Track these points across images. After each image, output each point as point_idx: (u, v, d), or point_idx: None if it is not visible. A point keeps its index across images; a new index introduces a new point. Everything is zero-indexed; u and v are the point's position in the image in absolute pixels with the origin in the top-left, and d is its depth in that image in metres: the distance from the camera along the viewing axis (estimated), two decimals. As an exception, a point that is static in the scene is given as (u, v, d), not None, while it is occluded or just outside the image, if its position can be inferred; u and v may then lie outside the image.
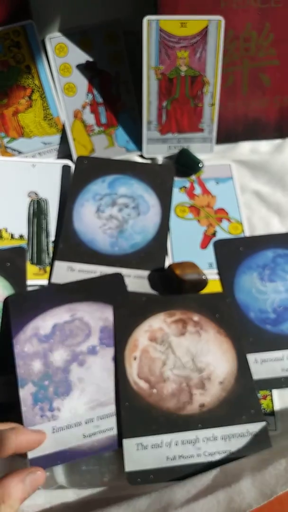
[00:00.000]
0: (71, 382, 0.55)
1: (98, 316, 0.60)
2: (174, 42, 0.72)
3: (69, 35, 0.75)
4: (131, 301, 0.63)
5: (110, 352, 0.57)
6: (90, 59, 0.76)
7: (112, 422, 0.53)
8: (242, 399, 0.54)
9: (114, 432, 0.52)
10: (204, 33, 0.71)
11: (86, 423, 0.53)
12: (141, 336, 0.59)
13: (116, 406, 0.54)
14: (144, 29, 0.70)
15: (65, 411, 0.53)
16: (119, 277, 0.64)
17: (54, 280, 0.66)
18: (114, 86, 0.78)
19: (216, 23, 0.71)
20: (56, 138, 0.79)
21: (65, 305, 0.61)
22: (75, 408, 0.53)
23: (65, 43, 0.75)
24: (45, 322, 0.60)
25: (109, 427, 0.52)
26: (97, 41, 0.75)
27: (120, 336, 0.59)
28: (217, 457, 0.51)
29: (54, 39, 0.74)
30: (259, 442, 0.51)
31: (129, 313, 0.61)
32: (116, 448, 0.52)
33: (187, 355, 0.57)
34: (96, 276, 0.65)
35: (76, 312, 0.60)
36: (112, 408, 0.53)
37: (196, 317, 0.61)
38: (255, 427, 0.52)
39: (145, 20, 0.70)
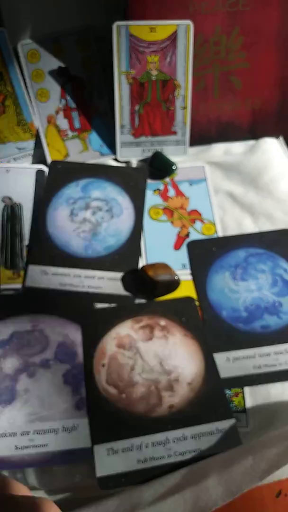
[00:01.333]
0: (17, 391, 0.55)
1: (58, 331, 0.61)
2: (144, 47, 0.73)
3: (41, 42, 0.76)
4: (98, 310, 0.64)
5: (62, 368, 0.57)
6: (63, 65, 0.77)
7: (47, 439, 0.52)
8: (210, 398, 0.55)
9: (48, 449, 0.51)
10: (173, 37, 0.72)
11: (21, 435, 0.52)
12: (109, 343, 0.60)
13: (87, 413, 0.54)
14: (114, 34, 0.71)
15: (3, 419, 0.53)
16: (89, 298, 0.65)
17: (28, 284, 0.66)
18: (87, 91, 0.78)
19: (185, 27, 0.72)
20: (30, 144, 0.79)
21: (29, 315, 0.62)
22: (14, 418, 0.53)
23: (37, 49, 0.75)
24: (5, 328, 0.60)
25: (43, 443, 0.52)
26: (69, 47, 0.76)
27: (88, 345, 0.59)
28: (187, 456, 0.51)
29: (26, 46, 0.75)
30: (228, 439, 0.52)
31: (97, 323, 0.62)
32: (46, 466, 0.51)
33: (155, 359, 0.58)
34: (68, 291, 0.65)
35: (38, 324, 0.61)
36: (51, 425, 0.53)
37: (163, 322, 0.61)
38: (224, 424, 0.53)
39: (115, 25, 0.70)
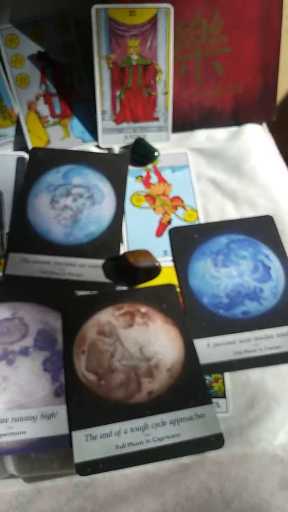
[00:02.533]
0: None
1: (39, 318, 0.60)
2: (124, 31, 0.72)
3: (20, 26, 0.74)
4: (79, 297, 0.63)
5: (42, 355, 0.57)
6: (42, 50, 0.75)
7: (26, 426, 0.52)
8: (189, 384, 0.55)
9: (26, 436, 0.51)
10: (153, 21, 0.71)
11: None
12: (89, 330, 0.59)
13: (66, 400, 0.54)
14: (93, 18, 0.70)
15: None
16: (70, 286, 0.64)
17: (9, 271, 0.65)
18: (67, 76, 0.77)
19: (165, 11, 0.71)
20: (11, 130, 0.78)
21: (9, 302, 0.61)
22: None
23: (16, 34, 0.74)
24: None
25: (21, 430, 0.52)
26: (49, 32, 0.75)
27: (68, 332, 0.59)
28: (166, 441, 0.51)
29: (5, 30, 0.74)
30: (207, 424, 0.52)
31: (77, 310, 0.61)
32: (24, 453, 0.51)
33: (135, 345, 0.58)
34: (49, 278, 0.65)
35: (18, 311, 0.61)
36: (30, 412, 0.53)
37: (143, 309, 0.61)
38: (203, 409, 0.53)
39: (93, 9, 0.69)
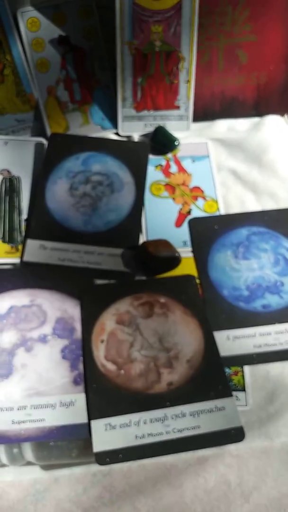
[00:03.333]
0: (14, 366, 0.55)
1: (57, 306, 0.60)
2: (148, 16, 0.70)
3: (42, 9, 0.73)
4: (98, 286, 0.63)
5: (60, 343, 0.57)
6: (63, 34, 0.74)
7: (45, 414, 0.51)
8: (209, 376, 0.54)
9: (45, 423, 0.51)
10: (178, 7, 0.70)
11: (18, 409, 0.52)
12: (108, 319, 0.59)
13: (85, 389, 0.53)
14: (117, 2, 0.69)
15: (0, 394, 0.52)
16: (88, 274, 0.64)
17: (27, 258, 0.65)
18: (88, 62, 0.76)
19: (190, -4, 0.69)
20: (29, 115, 0.77)
21: (27, 289, 0.61)
22: (11, 393, 0.53)
23: (38, 17, 0.73)
24: (3, 302, 0.59)
25: (40, 417, 0.51)
26: (71, 16, 0.74)
27: (87, 321, 0.59)
28: (186, 433, 0.50)
29: (26, 13, 0.73)
30: (227, 417, 0.51)
31: (96, 298, 0.61)
32: (43, 440, 0.50)
33: (155, 336, 0.57)
34: (67, 266, 0.64)
35: (36, 298, 0.60)
36: (49, 400, 0.52)
37: (162, 299, 0.61)
38: (223, 402, 0.52)
39: (118, -7, 0.68)
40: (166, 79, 0.75)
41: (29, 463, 0.52)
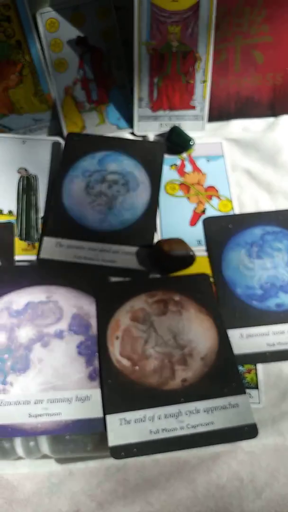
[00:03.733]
0: (31, 360, 0.56)
1: (73, 303, 0.61)
2: (165, 17, 0.71)
3: (61, 10, 0.74)
4: (113, 283, 0.63)
5: (76, 339, 0.58)
6: (82, 35, 0.75)
7: (61, 408, 0.52)
8: (223, 373, 0.55)
9: (61, 417, 0.52)
10: (196, 8, 0.70)
11: (35, 403, 0.53)
12: (123, 316, 0.60)
13: (100, 384, 0.54)
14: (136, 3, 0.69)
15: (17, 388, 0.54)
16: (104, 272, 0.65)
17: (43, 255, 0.66)
18: (106, 62, 0.77)
19: (208, -3, 0.70)
20: (47, 115, 0.78)
21: (44, 286, 0.62)
22: (28, 387, 0.54)
23: (57, 18, 0.74)
24: (20, 299, 0.60)
25: (57, 411, 0.52)
26: (89, 17, 0.75)
27: (102, 317, 0.60)
28: (200, 429, 0.51)
29: (45, 14, 0.74)
30: (241, 414, 0.52)
31: (111, 296, 0.62)
32: (59, 433, 0.52)
33: (169, 333, 0.58)
34: (83, 264, 0.65)
35: (52, 295, 0.61)
36: (65, 394, 0.53)
37: (177, 297, 0.61)
38: (237, 399, 0.53)
39: (136, -6, 0.69)
40: (183, 79, 0.75)
41: (44, 456, 0.53)
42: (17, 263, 0.66)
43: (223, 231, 0.70)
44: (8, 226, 0.68)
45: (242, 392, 0.54)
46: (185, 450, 0.52)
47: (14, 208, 0.70)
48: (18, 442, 0.52)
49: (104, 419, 0.52)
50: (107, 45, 0.76)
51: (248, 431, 0.51)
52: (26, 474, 0.53)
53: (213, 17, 0.71)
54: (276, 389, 0.58)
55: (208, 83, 0.76)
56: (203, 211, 0.72)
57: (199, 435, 0.51)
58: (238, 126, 0.82)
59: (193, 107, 0.78)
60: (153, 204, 0.70)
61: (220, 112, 0.81)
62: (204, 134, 0.80)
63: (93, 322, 0.60)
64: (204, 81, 0.76)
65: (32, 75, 0.75)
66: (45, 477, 0.53)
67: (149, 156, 0.74)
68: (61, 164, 0.72)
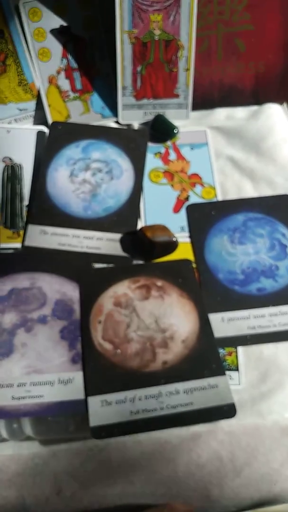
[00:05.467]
0: (14, 345, 0.57)
1: (57, 289, 0.62)
2: (147, 5, 0.71)
3: (43, 0, 0.74)
4: (96, 270, 0.64)
5: (59, 324, 0.59)
6: (64, 24, 0.75)
7: (43, 390, 0.53)
8: (203, 356, 0.56)
9: (43, 399, 0.53)
10: (177, -4, 0.71)
11: (18, 386, 0.54)
12: (106, 301, 0.60)
13: (82, 367, 0.55)
14: (117, -8, 0.70)
15: (1, 371, 0.55)
16: (88, 258, 0.65)
17: (28, 243, 0.67)
18: (89, 51, 0.77)
19: (189, -15, 0.70)
20: (31, 104, 0.79)
21: (28, 272, 0.63)
22: (11, 370, 0.55)
23: (39, 7, 0.74)
24: (4, 285, 0.61)
25: (39, 394, 0.53)
26: (71, 6, 0.75)
27: (85, 302, 0.60)
28: (179, 409, 0.52)
29: (28, 4, 0.74)
30: (220, 394, 0.53)
31: (95, 281, 0.63)
32: (41, 415, 0.53)
33: (151, 317, 0.59)
34: (67, 251, 0.66)
35: (36, 281, 0.62)
36: (47, 377, 0.54)
37: (159, 283, 0.62)
38: (216, 380, 0.54)
39: (117, -18, 0.69)
40: (166, 67, 0.76)
41: (28, 438, 0.54)
42: (1, 251, 0.67)
43: (206, 217, 0.70)
44: (-8, 214, 0.69)
45: (222, 373, 0.55)
46: (165, 430, 0.53)
47: (-2, 197, 0.70)
48: (1, 424, 0.53)
49: (85, 400, 0.53)
50: (90, 34, 0.77)
51: (227, 411, 0.52)
52: (10, 455, 0.54)
53: (195, 5, 0.71)
54: (256, 370, 0.59)
55: (191, 71, 0.77)
56: (187, 198, 0.72)
57: (179, 415, 0.52)
58: (222, 114, 0.83)
59: (177, 96, 0.79)
60: (137, 191, 0.71)
61: (204, 100, 0.81)
62: (188, 122, 0.81)
63: (77, 307, 0.61)
64: (187, 69, 0.76)
65: (16, 65, 0.76)
66: (29, 458, 0.54)
67: (133, 144, 0.74)
68: (45, 153, 0.73)
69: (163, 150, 0.77)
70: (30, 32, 0.75)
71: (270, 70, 0.80)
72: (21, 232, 0.68)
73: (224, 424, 0.55)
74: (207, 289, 0.64)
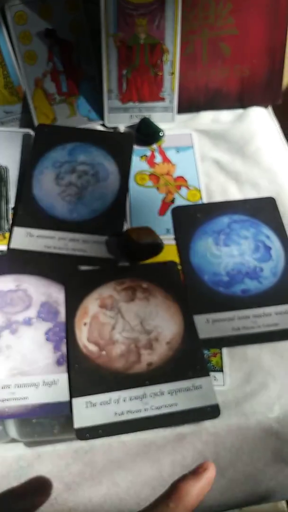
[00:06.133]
0: None
1: (42, 291, 0.62)
2: (132, 9, 0.72)
3: (29, 3, 0.74)
4: (82, 272, 0.65)
5: (45, 326, 0.59)
6: (50, 27, 0.76)
7: (28, 392, 0.54)
8: (188, 357, 0.56)
9: (28, 401, 0.53)
10: (161, 0, 0.71)
11: (2, 388, 0.54)
12: (92, 303, 0.61)
13: (67, 369, 0.56)
14: (102, -4, 0.70)
15: None
16: (73, 261, 0.66)
17: (14, 245, 0.67)
18: (75, 54, 0.78)
19: (173, -10, 0.71)
20: (17, 107, 0.79)
21: (14, 275, 0.63)
22: None
23: (25, 11, 0.74)
24: None
25: (24, 396, 0.53)
26: (57, 9, 0.75)
27: (71, 305, 0.61)
28: (164, 410, 0.53)
29: (14, 7, 0.74)
30: (204, 395, 0.54)
31: (80, 283, 0.63)
32: (25, 417, 0.53)
33: (136, 319, 0.59)
34: (53, 253, 0.66)
35: (22, 283, 0.62)
36: (32, 379, 0.54)
37: (145, 284, 0.63)
38: (200, 381, 0.54)
39: (102, -14, 0.70)
40: (151, 71, 0.77)
41: (13, 440, 0.54)
42: (-13, 253, 0.67)
43: (191, 220, 0.71)
44: (-23, 216, 0.69)
45: (206, 374, 0.55)
46: (150, 430, 0.53)
47: (-16, 199, 0.70)
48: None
49: (70, 402, 0.53)
50: (76, 37, 0.77)
51: (211, 412, 0.53)
52: (-6, 458, 0.54)
53: (179, 9, 0.72)
54: (241, 371, 0.59)
55: (176, 75, 0.77)
56: (172, 201, 0.73)
57: (163, 416, 0.52)
58: (208, 118, 0.83)
59: (163, 99, 0.79)
60: (122, 194, 0.71)
61: (189, 103, 0.82)
62: (174, 126, 0.81)
63: (62, 309, 0.61)
64: (172, 73, 0.77)
65: (2, 68, 0.76)
66: (14, 460, 0.54)
67: (119, 147, 0.75)
68: (31, 155, 0.73)
69: (149, 153, 0.77)
70: (16, 35, 0.75)
71: (254, 74, 0.81)
72: (7, 235, 0.68)
73: (208, 424, 0.55)
74: (192, 291, 0.64)
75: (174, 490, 0.35)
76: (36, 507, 0.50)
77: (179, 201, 0.73)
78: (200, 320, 0.61)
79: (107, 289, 0.63)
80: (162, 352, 0.57)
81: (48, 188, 0.71)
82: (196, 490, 0.36)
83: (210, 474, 0.37)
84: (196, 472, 0.37)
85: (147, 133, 0.78)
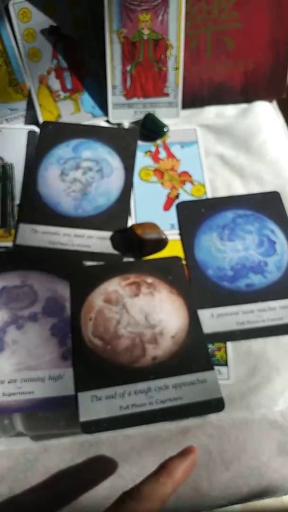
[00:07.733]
0: (5, 342, 0.57)
1: (48, 287, 0.62)
2: (135, 5, 0.72)
3: (33, 0, 0.75)
4: (87, 267, 0.65)
5: (50, 321, 0.59)
6: (54, 24, 0.76)
7: (34, 387, 0.54)
8: (192, 351, 0.57)
9: (34, 395, 0.54)
10: (165, -5, 0.72)
11: (9, 382, 0.54)
12: (97, 299, 0.61)
13: (72, 363, 0.56)
14: (105, -8, 0.70)
15: None
16: (78, 256, 0.66)
17: (19, 242, 0.67)
18: (79, 51, 0.78)
19: (176, -15, 0.71)
20: (22, 104, 0.79)
21: (19, 271, 0.64)
22: (2, 367, 0.55)
23: (29, 8, 0.75)
24: None
25: (30, 390, 0.54)
26: (61, 6, 0.75)
27: (76, 300, 0.61)
28: (168, 404, 0.53)
29: (17, 5, 0.74)
30: (208, 389, 0.54)
31: (85, 279, 0.63)
32: (32, 411, 0.54)
33: (141, 313, 0.60)
34: (58, 249, 0.67)
35: (27, 279, 0.63)
36: (38, 374, 0.55)
37: (149, 280, 0.63)
38: (205, 375, 0.55)
39: (105, -18, 0.70)
40: (155, 66, 0.77)
41: (19, 434, 0.55)
42: (-7, 250, 0.68)
43: (195, 215, 0.71)
44: (-17, 213, 0.69)
45: (210, 368, 0.55)
46: (154, 424, 0.53)
47: (-10, 196, 0.71)
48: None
49: (76, 396, 0.53)
50: (80, 34, 0.77)
51: (215, 405, 0.53)
52: (1, 451, 0.55)
53: (183, 4, 0.72)
54: (245, 365, 0.59)
55: (180, 70, 0.77)
56: (177, 196, 0.73)
57: (168, 409, 0.52)
58: (212, 113, 0.83)
59: (167, 94, 0.79)
60: (127, 190, 0.72)
61: (193, 98, 0.82)
62: (178, 121, 0.81)
63: (67, 304, 0.61)
64: (176, 68, 0.77)
65: (7, 65, 0.76)
66: (20, 454, 0.55)
67: (123, 143, 0.75)
68: (36, 152, 0.73)
69: (153, 149, 0.78)
70: (20, 32, 0.75)
71: (259, 68, 0.81)
72: (12, 231, 0.69)
73: (213, 418, 0.56)
74: (196, 286, 0.64)
75: (164, 467, 0.41)
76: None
77: (184, 196, 0.73)
78: (205, 315, 0.62)
79: (112, 285, 0.63)
80: (166, 346, 0.57)
81: (53, 184, 0.71)
82: (183, 467, 0.41)
83: (194, 456, 0.43)
84: (183, 453, 0.43)
85: (152, 129, 0.78)
